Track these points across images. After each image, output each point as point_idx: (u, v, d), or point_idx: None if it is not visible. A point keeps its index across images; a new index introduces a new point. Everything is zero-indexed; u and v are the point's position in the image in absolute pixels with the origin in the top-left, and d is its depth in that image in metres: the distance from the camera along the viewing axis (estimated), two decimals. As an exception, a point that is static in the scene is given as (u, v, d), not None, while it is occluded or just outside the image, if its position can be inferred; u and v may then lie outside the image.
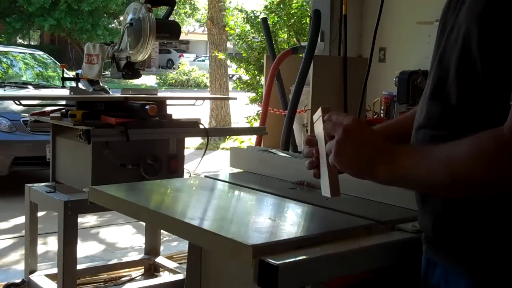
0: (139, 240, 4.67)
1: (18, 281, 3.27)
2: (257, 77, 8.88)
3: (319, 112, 1.27)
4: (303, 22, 8.26)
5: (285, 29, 8.51)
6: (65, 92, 3.90)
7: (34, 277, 3.17)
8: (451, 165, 0.99)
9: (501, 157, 0.94)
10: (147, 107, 2.85)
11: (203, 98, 3.65)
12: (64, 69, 3.99)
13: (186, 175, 3.11)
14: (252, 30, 9.07)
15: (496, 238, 1.08)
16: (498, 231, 1.08)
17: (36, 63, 8.38)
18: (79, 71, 3.47)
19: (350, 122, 1.14)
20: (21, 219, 4.51)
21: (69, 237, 2.80)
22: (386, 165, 1.10)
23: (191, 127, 3.15)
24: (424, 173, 1.04)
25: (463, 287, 1.12)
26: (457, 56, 1.10)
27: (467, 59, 1.08)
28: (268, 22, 6.21)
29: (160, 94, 3.40)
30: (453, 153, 1.00)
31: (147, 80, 23.99)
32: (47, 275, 3.20)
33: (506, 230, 1.07)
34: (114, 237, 4.99)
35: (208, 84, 14.36)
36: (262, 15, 8.57)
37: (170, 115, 3.11)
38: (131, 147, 2.87)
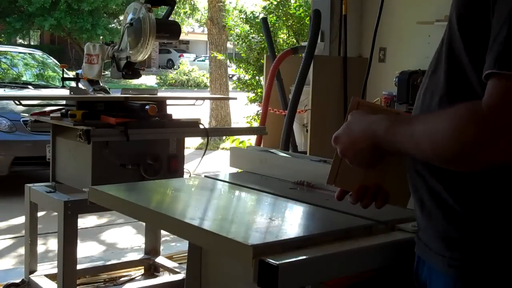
0: (139, 240, 4.67)
1: (18, 281, 3.26)
2: (257, 77, 8.87)
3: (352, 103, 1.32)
4: (302, 22, 8.25)
5: (284, 30, 8.51)
6: (65, 92, 3.89)
7: (34, 277, 3.17)
8: (431, 137, 1.02)
9: (476, 131, 0.96)
10: (147, 107, 2.85)
11: (203, 98, 3.65)
12: (64, 69, 3.99)
13: (186, 175, 3.11)
14: (252, 31, 9.06)
15: (484, 237, 1.08)
16: (486, 231, 1.08)
17: (36, 63, 8.38)
18: (79, 71, 3.47)
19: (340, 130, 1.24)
20: (21, 219, 4.51)
21: (69, 237, 2.80)
22: (380, 131, 1.15)
23: (191, 127, 3.15)
24: (411, 145, 1.07)
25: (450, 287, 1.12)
26: (446, 42, 1.13)
27: (452, 43, 1.10)
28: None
29: (160, 94, 3.40)
30: (433, 125, 1.02)
31: (147, 80, 23.98)
32: (47, 275, 3.20)
33: (495, 230, 1.07)
34: (114, 237, 4.99)
35: (208, 84, 14.36)
36: (261, 16, 8.56)
37: (170, 115, 3.11)
38: (131, 147, 2.87)
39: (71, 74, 5.71)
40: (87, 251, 4.45)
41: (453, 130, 0.98)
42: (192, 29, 32.38)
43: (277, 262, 1.18)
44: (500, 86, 0.95)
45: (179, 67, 26.22)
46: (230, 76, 13.77)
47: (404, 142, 1.08)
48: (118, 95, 3.22)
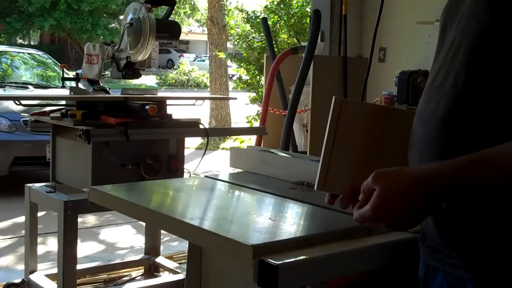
0: (139, 240, 4.67)
1: (18, 281, 3.27)
2: (257, 77, 8.87)
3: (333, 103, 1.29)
4: (303, 22, 8.26)
5: (285, 29, 8.51)
6: (65, 92, 3.90)
7: (34, 277, 3.17)
8: None
9: None
10: (147, 107, 2.85)
11: (203, 98, 3.66)
12: (64, 69, 3.99)
13: (186, 175, 3.11)
14: (252, 30, 9.06)
15: (502, 241, 1.07)
16: (504, 235, 1.07)
17: (36, 63, 8.38)
18: (79, 71, 3.47)
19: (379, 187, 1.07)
20: (21, 219, 4.51)
21: (69, 237, 2.80)
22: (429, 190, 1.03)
23: (191, 127, 3.15)
24: (498, 179, 1.01)
25: None
26: (469, 43, 1.11)
27: (481, 45, 1.08)
28: (268, 22, 6.21)
29: (160, 94, 3.40)
30: None
31: (147, 80, 23.98)
32: (47, 275, 3.20)
33: (495, 229, 1.07)
34: (114, 237, 4.99)
35: (208, 84, 14.36)
36: (262, 15, 8.56)
37: (170, 115, 3.11)
38: (131, 147, 2.87)
39: (71, 74, 5.70)
40: (87, 251, 4.45)
41: None
42: (190, 29, 32.36)
43: (277, 262, 1.18)
44: None
45: (179, 67, 26.22)
46: (230, 76, 13.77)
47: (489, 174, 1.00)
48: (118, 95, 3.22)
